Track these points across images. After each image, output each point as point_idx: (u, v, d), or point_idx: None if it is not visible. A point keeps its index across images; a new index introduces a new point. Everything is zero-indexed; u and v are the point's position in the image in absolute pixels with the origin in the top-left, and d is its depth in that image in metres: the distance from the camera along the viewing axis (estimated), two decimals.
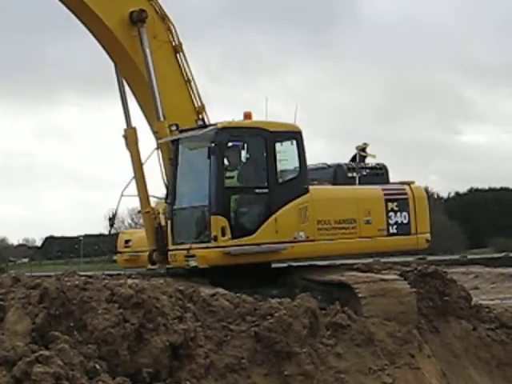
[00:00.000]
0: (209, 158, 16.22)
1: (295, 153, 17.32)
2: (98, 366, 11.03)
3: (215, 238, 15.88)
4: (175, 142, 17.32)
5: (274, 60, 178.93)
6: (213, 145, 16.24)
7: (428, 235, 19.28)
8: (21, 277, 13.35)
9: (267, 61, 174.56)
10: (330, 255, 18.57)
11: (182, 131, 17.22)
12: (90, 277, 13.22)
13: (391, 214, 18.59)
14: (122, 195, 17.28)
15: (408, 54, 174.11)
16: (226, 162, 16.84)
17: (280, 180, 17.06)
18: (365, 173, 18.76)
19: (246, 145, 17.36)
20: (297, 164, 17.35)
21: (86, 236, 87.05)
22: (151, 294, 12.14)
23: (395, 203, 18.71)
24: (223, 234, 15.98)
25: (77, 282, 12.10)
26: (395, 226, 18.57)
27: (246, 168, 17.33)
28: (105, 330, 11.44)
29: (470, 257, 75.25)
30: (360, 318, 14.28)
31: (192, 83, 17.84)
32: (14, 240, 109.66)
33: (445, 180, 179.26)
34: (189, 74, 17.86)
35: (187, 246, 16.10)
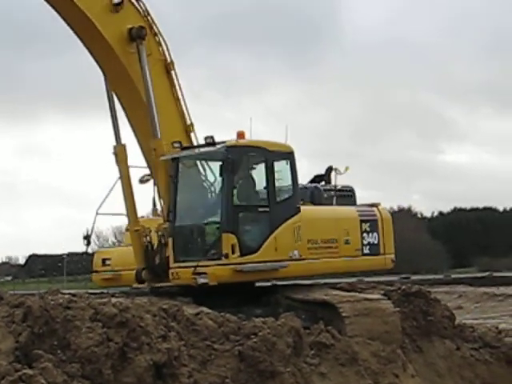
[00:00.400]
0: (221, 175, 16.25)
1: (289, 172, 17.37)
2: None
3: (226, 256, 15.88)
4: (175, 160, 17.19)
5: (254, 80, 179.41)
6: (225, 162, 16.39)
7: (393, 255, 19.58)
8: (4, 295, 13.30)
9: (248, 81, 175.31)
10: (317, 274, 18.58)
11: (184, 148, 17.18)
12: (74, 295, 13.19)
13: (364, 234, 18.81)
14: (96, 213, 17.20)
15: (390, 75, 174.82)
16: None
17: (278, 199, 17.12)
18: (334, 194, 18.90)
19: (250, 163, 17.32)
20: (290, 183, 17.42)
21: (70, 254, 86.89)
22: (135, 312, 12.12)
23: (368, 224, 18.97)
24: (233, 252, 15.98)
25: (60, 301, 12.08)
26: (368, 247, 18.81)
27: (249, 186, 17.30)
28: (88, 349, 11.41)
29: (453, 276, 75.46)
30: (344, 337, 14.30)
31: (182, 102, 17.77)
32: None
33: (427, 199, 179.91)
34: (179, 92, 17.76)
35: (194, 264, 16.04)
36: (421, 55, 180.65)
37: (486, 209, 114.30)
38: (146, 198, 18.18)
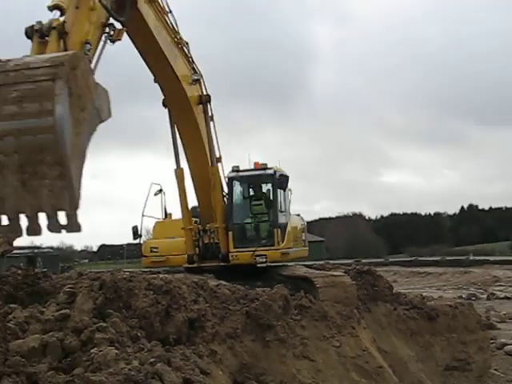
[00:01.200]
0: (273, 190, 16.74)
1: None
2: (138, 334, 11.00)
3: (278, 244, 16.56)
4: (230, 179, 17.72)
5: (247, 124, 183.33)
6: (275, 181, 17.64)
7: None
8: (83, 272, 13.46)
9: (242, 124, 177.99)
10: (295, 259, 18.66)
11: (237, 171, 17.88)
12: (132, 273, 13.24)
13: (304, 233, 20.03)
14: (142, 215, 17.13)
15: (343, 123, 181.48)
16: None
17: (286, 207, 18.17)
18: None
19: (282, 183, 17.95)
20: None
21: (128, 244, 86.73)
22: (175, 284, 12.16)
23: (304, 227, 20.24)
24: (280, 242, 17.10)
25: (124, 276, 12.13)
26: (307, 242, 20.03)
27: (282, 198, 18.22)
28: (143, 309, 11.43)
29: (390, 260, 75.62)
30: (317, 301, 14.36)
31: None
32: (78, 247, 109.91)
33: (373, 207, 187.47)
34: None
35: (252, 249, 16.70)
36: (363, 104, 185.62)
37: (412, 214, 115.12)
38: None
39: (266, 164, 17.14)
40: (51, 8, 8.80)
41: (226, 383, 11.58)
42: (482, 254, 78.95)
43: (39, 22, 8.07)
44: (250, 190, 17.97)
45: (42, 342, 10.12)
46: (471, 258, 70.05)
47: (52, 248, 65.72)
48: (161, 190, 17.26)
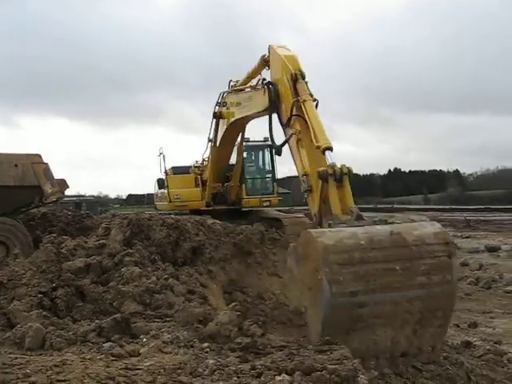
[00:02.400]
0: (272, 155, 16.61)
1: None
2: (156, 258, 10.98)
3: (276, 193, 16.42)
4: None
5: None
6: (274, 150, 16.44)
7: None
8: (116, 214, 13.42)
9: None
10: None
11: (248, 141, 17.08)
12: (151, 214, 13.21)
13: None
14: (165, 171, 16.85)
15: None
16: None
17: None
18: None
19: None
20: None
21: (148, 194, 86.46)
22: (182, 222, 12.11)
23: None
24: (277, 192, 17.54)
25: (146, 216, 12.10)
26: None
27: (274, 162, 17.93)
28: (159, 240, 11.40)
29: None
30: (284, 235, 14.29)
31: None
32: (112, 195, 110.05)
33: None
34: None
35: (259, 197, 16.92)
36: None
37: (354, 174, 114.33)
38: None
39: (267, 138, 17.05)
40: (323, 150, 7.48)
41: (218, 293, 11.61)
42: (403, 203, 79.47)
43: (332, 166, 7.02)
44: (258, 155, 17.85)
45: (86, 263, 10.15)
46: (395, 206, 70.40)
47: (93, 196, 65.47)
48: (161, 153, 17.09)
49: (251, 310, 11.63)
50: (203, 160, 16.69)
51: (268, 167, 17.61)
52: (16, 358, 6.60)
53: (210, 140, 15.22)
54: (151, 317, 8.33)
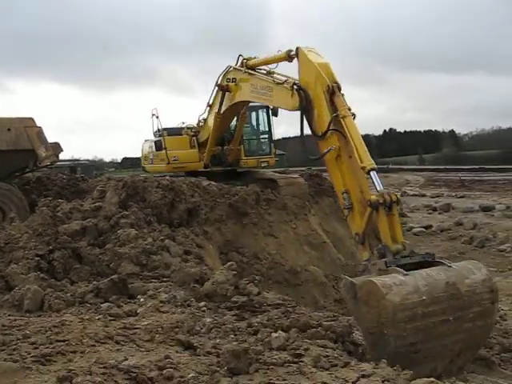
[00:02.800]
0: (269, 117, 16.43)
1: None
2: (151, 219, 11.00)
3: (274, 154, 17.04)
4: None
5: None
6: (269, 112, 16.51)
7: None
8: (111, 177, 13.36)
9: None
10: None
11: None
12: (146, 177, 13.20)
13: None
14: (162, 134, 16.64)
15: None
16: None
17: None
18: None
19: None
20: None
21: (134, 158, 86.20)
22: (178, 183, 12.09)
23: None
24: (275, 152, 17.28)
25: (141, 178, 12.07)
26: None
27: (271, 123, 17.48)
28: (155, 201, 11.40)
29: None
30: (280, 196, 14.29)
31: None
32: (107, 159, 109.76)
33: None
34: None
35: (257, 158, 16.62)
36: None
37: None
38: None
39: None
40: (368, 171, 7.37)
41: (214, 253, 11.70)
42: (398, 163, 79.46)
43: (382, 194, 6.89)
44: (254, 116, 17.66)
45: (82, 226, 10.17)
46: (390, 166, 70.41)
47: (88, 160, 65.22)
48: (154, 115, 16.88)
49: (247, 270, 11.77)
50: (199, 121, 16.56)
51: (265, 128, 17.50)
52: (15, 320, 6.66)
53: (209, 105, 15.13)
54: (148, 277, 8.39)
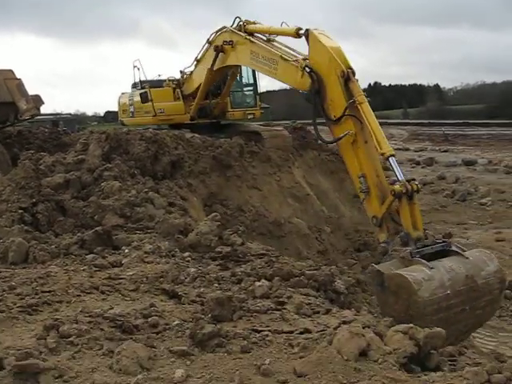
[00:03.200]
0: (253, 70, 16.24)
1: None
2: (135, 172, 10.99)
3: (259, 106, 16.94)
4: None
5: None
6: None
7: None
8: (94, 131, 13.24)
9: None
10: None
11: None
12: (129, 129, 13.10)
13: None
14: (149, 87, 16.40)
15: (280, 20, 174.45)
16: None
17: None
18: None
19: None
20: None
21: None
22: (161, 135, 12.02)
23: None
24: (260, 105, 17.24)
25: (124, 131, 12.01)
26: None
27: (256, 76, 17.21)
28: (138, 154, 11.36)
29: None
30: (264, 148, 14.25)
31: None
32: (89, 113, 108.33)
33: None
34: None
35: (244, 110, 16.53)
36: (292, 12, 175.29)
37: None
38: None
39: None
40: (387, 157, 7.50)
41: (198, 205, 11.74)
42: (382, 117, 79.34)
43: (404, 184, 7.06)
44: (240, 68, 17.42)
45: (65, 179, 10.14)
46: None
47: (70, 114, 64.36)
48: (135, 66, 16.58)
49: (231, 222, 11.83)
50: (183, 74, 16.34)
51: (249, 81, 17.32)
52: (0, 272, 6.69)
53: (197, 60, 14.99)
54: (132, 229, 8.42)
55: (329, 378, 3.61)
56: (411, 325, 4.81)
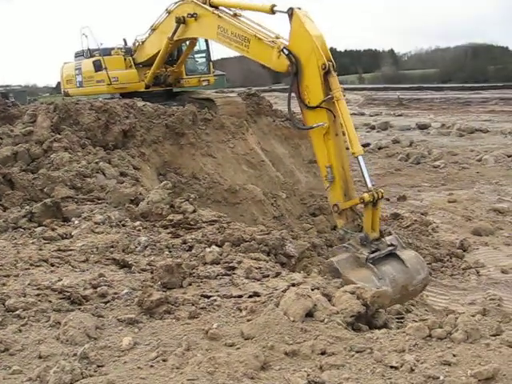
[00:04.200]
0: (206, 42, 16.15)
1: None
2: (86, 142, 10.81)
3: (212, 73, 16.98)
4: None
5: None
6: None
7: None
8: (44, 101, 12.90)
9: None
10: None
11: None
12: (78, 99, 12.82)
13: None
14: (100, 55, 16.03)
15: None
16: None
17: None
18: None
19: None
20: None
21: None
22: (112, 105, 11.82)
23: None
24: (213, 71, 17.13)
25: (73, 100, 11.75)
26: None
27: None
28: (88, 124, 11.16)
29: (272, 87, 74.36)
30: (217, 115, 14.13)
31: None
32: (40, 84, 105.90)
33: None
34: None
35: (198, 77, 16.39)
36: None
37: None
38: None
39: None
40: (357, 156, 8.15)
41: (152, 175, 11.64)
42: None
43: (372, 194, 7.74)
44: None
45: (13, 151, 9.90)
46: None
47: (20, 86, 62.64)
48: (83, 34, 16.15)
49: (186, 190, 11.76)
50: (136, 41, 16.06)
51: (202, 47, 17.09)
52: None
53: (152, 28, 14.76)
54: (83, 200, 8.30)
55: (275, 339, 3.65)
56: (359, 285, 4.91)
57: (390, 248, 7.79)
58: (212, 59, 17.17)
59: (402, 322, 4.72)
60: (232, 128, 14.13)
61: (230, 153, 13.74)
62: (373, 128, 33.96)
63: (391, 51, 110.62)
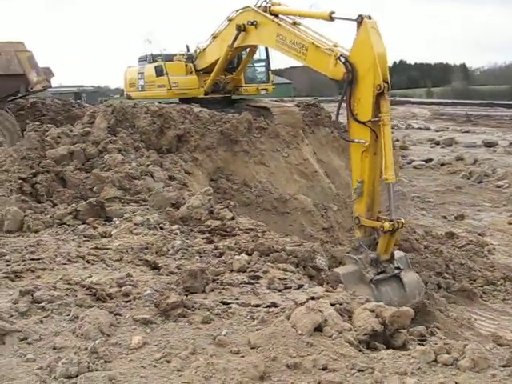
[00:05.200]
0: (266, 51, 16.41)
1: None
2: (140, 145, 11.06)
3: (271, 82, 17.19)
4: None
5: None
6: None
7: None
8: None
9: None
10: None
11: None
12: (135, 103, 13.15)
13: None
14: (162, 59, 16.35)
15: None
16: None
17: None
18: None
19: None
20: None
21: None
22: (167, 109, 12.09)
23: None
24: (272, 81, 17.34)
25: (130, 104, 12.07)
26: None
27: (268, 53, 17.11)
28: (144, 127, 11.44)
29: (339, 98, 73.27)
30: (272, 124, 14.17)
31: None
32: (112, 86, 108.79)
33: None
34: None
35: (257, 85, 16.64)
36: None
37: None
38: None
39: None
40: (388, 183, 8.39)
41: (203, 180, 11.79)
42: (406, 96, 78.22)
43: (393, 224, 8.14)
44: None
45: (69, 151, 10.22)
46: (397, 98, 69.37)
47: (93, 86, 64.68)
48: (147, 39, 16.54)
49: (236, 197, 11.86)
50: (198, 48, 16.32)
51: (262, 56, 17.20)
52: None
53: (213, 36, 14.99)
54: (129, 201, 8.49)
55: (280, 350, 3.64)
56: (381, 303, 4.81)
57: (396, 272, 8.22)
58: (271, 68, 17.28)
59: (423, 345, 4.59)
60: (287, 137, 14.14)
61: (283, 162, 13.75)
62: (437, 143, 33.21)
63: (463, 65, 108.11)
